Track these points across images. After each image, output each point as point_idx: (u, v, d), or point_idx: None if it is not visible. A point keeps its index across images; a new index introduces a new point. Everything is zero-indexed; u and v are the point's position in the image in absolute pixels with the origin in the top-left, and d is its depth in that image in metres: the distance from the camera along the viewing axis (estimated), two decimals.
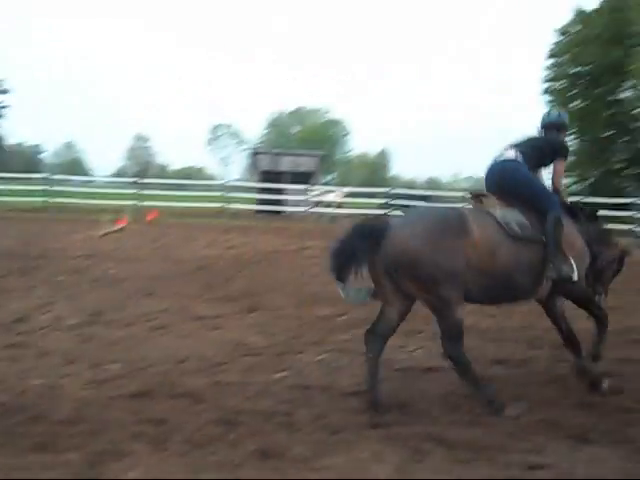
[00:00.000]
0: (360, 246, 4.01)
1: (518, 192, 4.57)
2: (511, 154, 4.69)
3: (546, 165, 4.88)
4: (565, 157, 4.89)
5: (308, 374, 4.95)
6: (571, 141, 41.82)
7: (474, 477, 3.22)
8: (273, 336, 6.14)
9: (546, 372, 5.13)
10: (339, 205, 26.28)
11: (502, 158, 4.72)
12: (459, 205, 4.71)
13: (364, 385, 4.27)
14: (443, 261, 3.95)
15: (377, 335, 4.26)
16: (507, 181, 4.62)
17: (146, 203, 23.34)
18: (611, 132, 40.62)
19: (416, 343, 6.01)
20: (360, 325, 6.66)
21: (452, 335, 4.11)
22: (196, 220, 21.20)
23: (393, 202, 25.50)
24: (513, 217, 4.39)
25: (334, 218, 25.30)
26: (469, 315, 7.32)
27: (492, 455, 3.47)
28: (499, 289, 4.30)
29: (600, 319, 4.80)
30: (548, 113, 5.17)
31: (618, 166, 41.27)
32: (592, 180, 39.47)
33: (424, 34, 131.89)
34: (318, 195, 26.69)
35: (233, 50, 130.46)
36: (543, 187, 4.76)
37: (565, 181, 4.79)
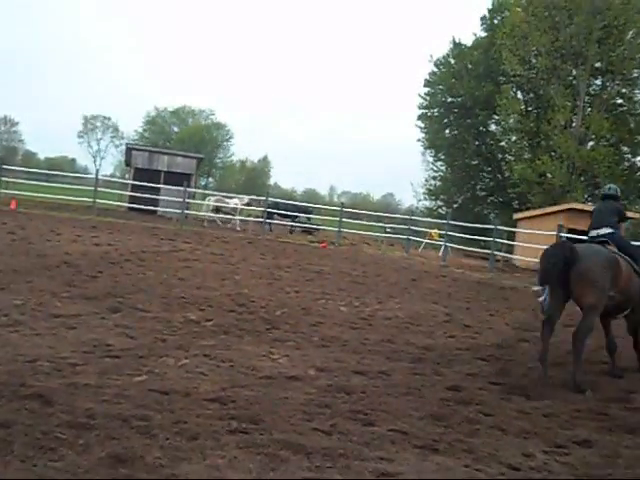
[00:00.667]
0: (561, 266, 6.05)
1: (621, 249, 6.77)
2: (608, 229, 6.92)
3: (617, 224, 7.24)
4: (625, 220, 7.40)
5: (169, 379, 4.83)
6: (440, 167, 44.32)
7: None
8: (135, 338, 5.94)
9: (402, 384, 5.34)
10: (240, 212, 26.06)
11: (605, 232, 6.91)
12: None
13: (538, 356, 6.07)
14: (605, 283, 6.13)
15: (551, 322, 6.16)
16: (615, 243, 6.86)
17: (6, 191, 21.86)
18: (478, 161, 43.34)
19: (281, 352, 6.04)
20: (227, 332, 6.64)
21: (588, 329, 6.10)
22: (63, 214, 20.14)
23: (273, 211, 25.75)
24: (631, 261, 6.66)
25: (227, 224, 25.08)
26: (333, 327, 7.53)
27: (347, 463, 3.56)
28: (621, 304, 6.47)
29: None
30: (609, 187, 7.50)
31: (482, 194, 44.06)
32: (457, 205, 41.84)
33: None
34: (218, 200, 26.31)
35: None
36: (631, 244, 7.22)
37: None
